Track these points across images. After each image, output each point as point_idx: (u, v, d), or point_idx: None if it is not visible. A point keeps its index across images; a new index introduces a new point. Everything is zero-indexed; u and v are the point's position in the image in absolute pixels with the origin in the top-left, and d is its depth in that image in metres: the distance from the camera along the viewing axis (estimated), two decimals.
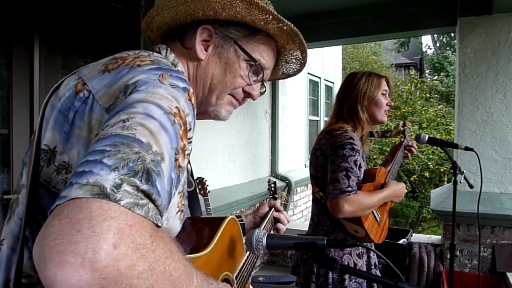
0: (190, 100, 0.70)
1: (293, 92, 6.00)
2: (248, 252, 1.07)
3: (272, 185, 1.66)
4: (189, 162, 0.91)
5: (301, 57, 1.01)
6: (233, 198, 4.05)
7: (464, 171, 2.33)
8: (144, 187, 0.50)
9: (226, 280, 0.92)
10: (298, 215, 6.01)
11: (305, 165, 6.37)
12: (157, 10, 0.87)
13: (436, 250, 3.72)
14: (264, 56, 0.92)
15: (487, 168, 3.48)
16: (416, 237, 4.02)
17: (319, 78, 7.27)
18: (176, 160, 0.61)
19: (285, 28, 0.88)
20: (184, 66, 0.88)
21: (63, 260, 0.42)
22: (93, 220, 0.44)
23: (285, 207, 5.18)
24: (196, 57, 0.87)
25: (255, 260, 1.12)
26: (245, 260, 1.05)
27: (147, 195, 0.50)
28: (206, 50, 0.88)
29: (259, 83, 0.95)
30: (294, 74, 1.09)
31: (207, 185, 2.82)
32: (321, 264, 0.90)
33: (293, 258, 4.40)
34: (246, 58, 0.89)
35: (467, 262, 3.53)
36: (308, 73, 6.73)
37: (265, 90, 1.00)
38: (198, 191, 2.79)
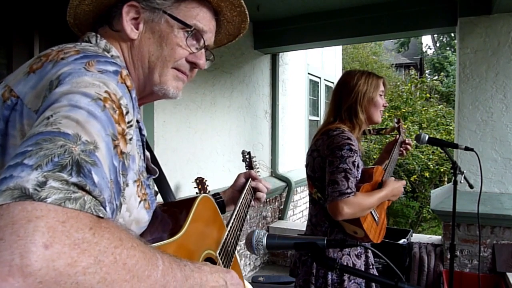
0: (123, 82, 0.67)
1: (293, 92, 6.00)
2: (229, 227, 1.05)
3: (247, 156, 1.60)
4: (149, 149, 0.88)
5: (239, 11, 0.94)
6: None
7: (464, 171, 2.33)
8: (74, 179, 0.48)
9: (210, 259, 0.90)
10: (298, 215, 6.00)
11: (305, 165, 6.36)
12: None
13: (436, 250, 3.72)
14: (200, 19, 0.86)
15: (487, 168, 3.48)
16: (416, 237, 4.02)
17: (319, 78, 7.27)
18: (116, 146, 0.59)
19: None
20: (118, 49, 0.83)
21: None
22: (16, 224, 0.42)
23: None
24: (128, 38, 0.83)
25: (238, 233, 1.10)
26: (227, 235, 1.03)
27: (81, 188, 0.48)
28: (137, 29, 0.83)
29: (203, 50, 0.89)
30: (240, 32, 1.03)
31: (207, 185, 2.82)
32: (321, 264, 0.90)
33: (293, 258, 4.40)
34: (181, 26, 0.83)
35: (467, 262, 3.53)
36: (308, 73, 6.73)
37: (213, 57, 0.95)
38: (198, 191, 2.80)
